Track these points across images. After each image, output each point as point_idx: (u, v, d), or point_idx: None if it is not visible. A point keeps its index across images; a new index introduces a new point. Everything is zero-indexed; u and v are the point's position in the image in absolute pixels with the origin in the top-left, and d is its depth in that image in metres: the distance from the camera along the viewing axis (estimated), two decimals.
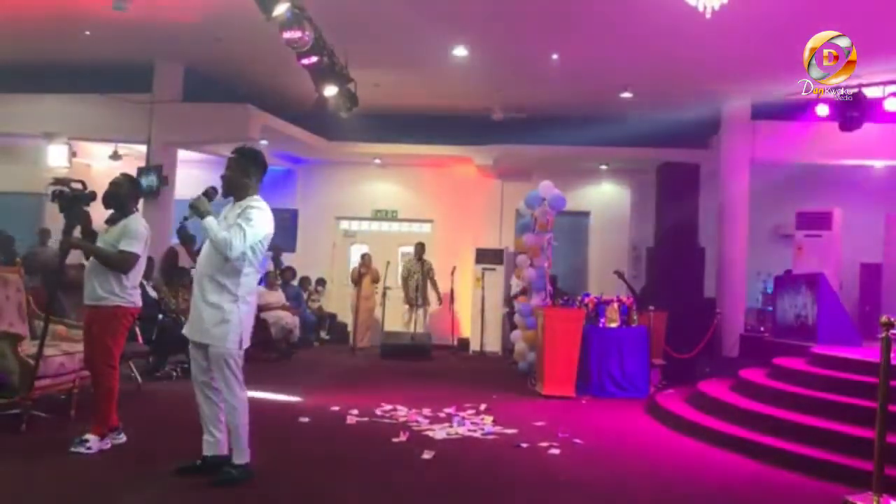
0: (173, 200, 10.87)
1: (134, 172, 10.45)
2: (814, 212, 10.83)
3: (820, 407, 5.69)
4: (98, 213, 5.03)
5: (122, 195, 4.92)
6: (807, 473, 4.86)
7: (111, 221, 4.91)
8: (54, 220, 5.70)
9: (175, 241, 10.81)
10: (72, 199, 4.89)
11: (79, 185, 4.99)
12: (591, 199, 13.42)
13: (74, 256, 5.14)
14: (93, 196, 4.97)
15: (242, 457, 4.16)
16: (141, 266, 4.90)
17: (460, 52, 9.25)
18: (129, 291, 4.81)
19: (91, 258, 4.80)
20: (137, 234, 4.79)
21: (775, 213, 11.96)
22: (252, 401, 6.98)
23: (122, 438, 4.87)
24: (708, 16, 6.12)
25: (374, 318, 12.23)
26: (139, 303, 4.97)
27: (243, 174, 4.29)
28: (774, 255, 11.88)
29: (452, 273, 12.23)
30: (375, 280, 12.00)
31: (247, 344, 4.26)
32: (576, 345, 7.99)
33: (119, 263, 4.72)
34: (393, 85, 10.75)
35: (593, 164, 13.07)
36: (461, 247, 12.97)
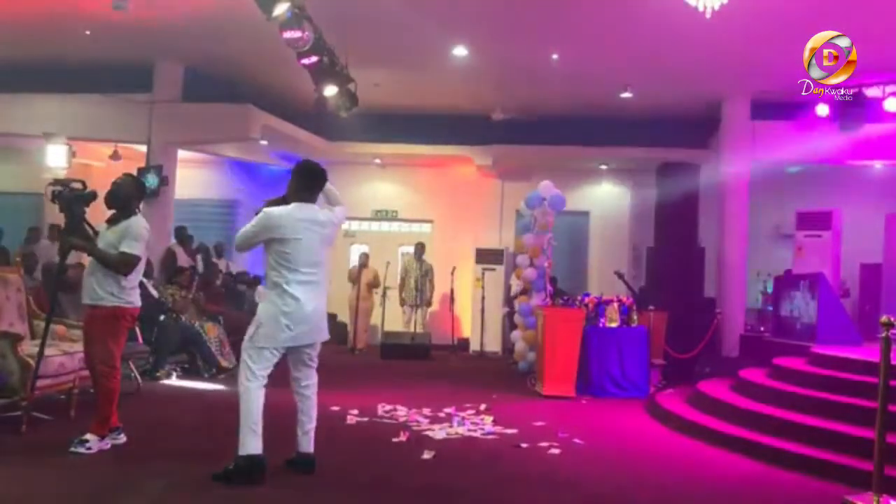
0: (173, 200, 10.87)
1: (134, 172, 10.51)
2: (814, 212, 10.83)
3: (820, 407, 5.69)
4: (98, 211, 5.01)
5: (126, 195, 4.88)
6: (807, 473, 4.87)
7: (112, 221, 4.87)
8: (55, 220, 5.68)
9: (173, 240, 10.84)
10: (71, 199, 4.84)
11: (78, 185, 4.95)
12: (591, 199, 13.42)
13: (74, 255, 5.13)
14: (93, 196, 4.92)
15: (241, 447, 4.17)
16: (140, 267, 4.87)
17: (460, 52, 9.24)
18: (128, 292, 4.78)
19: (91, 258, 4.77)
20: (139, 235, 4.76)
21: (775, 213, 11.96)
22: None
23: (122, 439, 4.87)
24: (708, 16, 6.12)
25: (371, 320, 12.20)
26: (138, 303, 4.93)
27: (289, 185, 4.48)
28: (774, 255, 11.88)
29: (452, 273, 12.23)
30: (375, 285, 11.97)
31: (267, 343, 4.24)
32: (576, 345, 7.99)
33: (120, 265, 4.69)
34: (393, 85, 10.75)
35: (593, 164, 13.06)
36: (461, 247, 12.96)
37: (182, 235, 10.97)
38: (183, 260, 10.35)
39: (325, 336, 4.55)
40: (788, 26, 7.63)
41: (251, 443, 4.17)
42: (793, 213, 11.20)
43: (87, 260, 5.01)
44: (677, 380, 8.51)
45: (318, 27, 7.50)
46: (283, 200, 4.42)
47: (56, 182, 4.98)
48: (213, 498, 3.98)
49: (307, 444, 4.48)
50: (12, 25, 9.14)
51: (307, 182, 4.46)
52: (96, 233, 4.92)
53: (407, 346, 11.08)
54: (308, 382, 4.52)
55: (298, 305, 4.27)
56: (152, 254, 9.56)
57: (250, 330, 4.32)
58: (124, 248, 4.68)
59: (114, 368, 4.75)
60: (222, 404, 6.73)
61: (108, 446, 4.70)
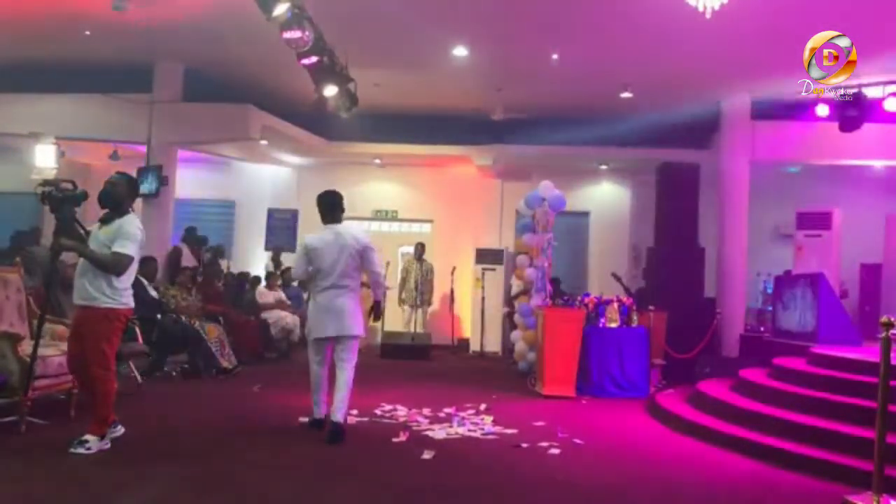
0: (173, 200, 10.87)
1: (133, 173, 10.49)
2: (814, 212, 10.83)
3: (820, 407, 5.69)
4: (89, 209, 4.97)
5: (119, 195, 4.81)
6: (807, 473, 4.87)
7: (105, 221, 4.79)
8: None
9: (177, 241, 10.85)
10: (61, 199, 4.76)
11: (69, 185, 4.86)
12: (591, 199, 13.42)
13: (72, 255, 5.09)
14: (84, 195, 4.85)
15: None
16: (133, 267, 4.81)
17: (460, 52, 9.24)
18: (121, 293, 4.72)
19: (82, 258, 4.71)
20: (132, 235, 4.69)
21: (775, 213, 11.95)
22: (253, 401, 7.00)
23: (120, 431, 4.86)
24: (708, 16, 6.12)
25: (371, 320, 12.18)
26: (131, 304, 4.87)
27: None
28: (774, 255, 11.88)
29: (452, 273, 12.23)
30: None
31: (309, 335, 5.71)
32: (576, 345, 7.99)
33: (113, 266, 4.63)
34: (393, 85, 10.75)
35: (593, 164, 13.06)
36: (461, 247, 12.97)
37: (191, 236, 10.99)
38: (188, 260, 10.35)
39: (349, 332, 5.53)
40: (788, 26, 7.63)
41: (314, 409, 5.68)
42: (793, 213, 11.20)
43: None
44: (677, 380, 8.51)
45: (318, 27, 7.50)
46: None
47: (46, 182, 4.91)
48: (213, 497, 3.98)
49: (336, 413, 5.44)
50: (13, 26, 9.14)
51: (324, 208, 5.69)
52: (88, 233, 4.84)
53: (407, 346, 11.08)
54: (341, 366, 5.55)
55: (321, 306, 5.54)
56: (153, 253, 9.57)
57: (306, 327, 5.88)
58: (117, 248, 4.62)
59: (109, 371, 4.71)
60: (222, 405, 6.75)
61: (108, 446, 4.69)
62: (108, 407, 4.71)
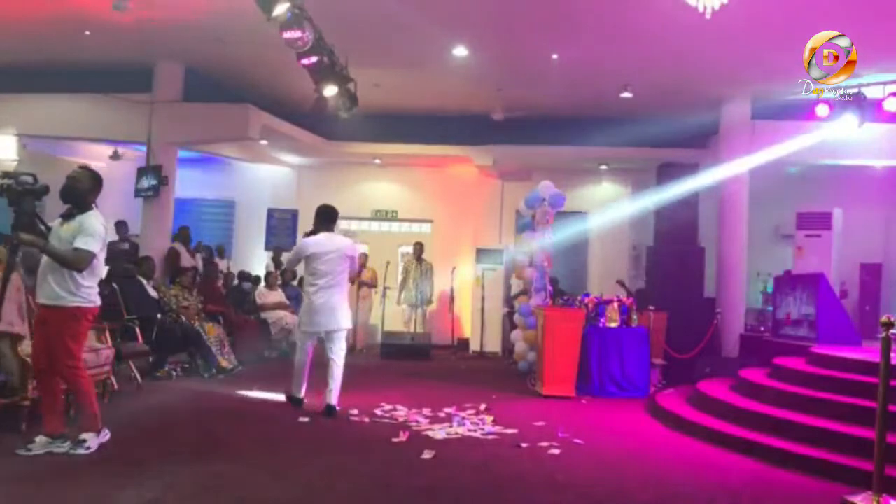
0: (173, 200, 10.86)
1: (134, 172, 10.50)
2: (814, 212, 10.83)
3: (820, 407, 5.69)
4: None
5: (82, 190, 4.68)
6: (807, 473, 4.88)
7: (67, 216, 4.68)
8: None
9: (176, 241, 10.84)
10: (21, 193, 4.53)
11: (29, 179, 4.64)
12: (590, 199, 13.42)
13: None
14: (45, 190, 4.65)
15: (292, 389, 6.63)
16: (99, 264, 4.73)
17: (460, 52, 9.23)
18: (86, 290, 4.64)
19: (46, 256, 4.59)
20: (95, 231, 4.57)
21: (775, 213, 11.95)
22: (253, 401, 7.00)
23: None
24: (708, 16, 6.12)
25: (370, 319, 12.21)
26: (98, 301, 4.79)
27: (314, 221, 6.75)
28: (774, 255, 11.88)
29: (452, 273, 12.22)
30: (373, 285, 11.98)
31: (302, 328, 6.55)
32: (576, 345, 8.00)
33: (74, 262, 4.51)
34: (393, 85, 10.74)
35: (593, 164, 13.06)
36: (461, 247, 12.97)
37: (185, 236, 10.98)
38: (186, 260, 10.34)
39: (343, 326, 6.42)
40: (788, 26, 7.63)
41: (293, 387, 6.54)
42: (793, 213, 11.19)
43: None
44: (677, 380, 8.52)
45: (318, 27, 7.50)
46: (314, 232, 6.58)
47: (5, 175, 4.67)
48: (213, 497, 3.99)
49: (331, 397, 6.28)
50: (13, 26, 9.14)
51: (324, 218, 6.65)
52: (49, 229, 4.71)
53: (407, 346, 11.08)
54: (334, 357, 6.36)
55: (317, 304, 6.32)
56: (152, 253, 9.58)
57: (298, 319, 6.94)
58: (79, 245, 4.51)
59: (78, 366, 4.66)
60: (222, 404, 6.75)
61: (108, 437, 4.68)
62: (92, 399, 4.69)
